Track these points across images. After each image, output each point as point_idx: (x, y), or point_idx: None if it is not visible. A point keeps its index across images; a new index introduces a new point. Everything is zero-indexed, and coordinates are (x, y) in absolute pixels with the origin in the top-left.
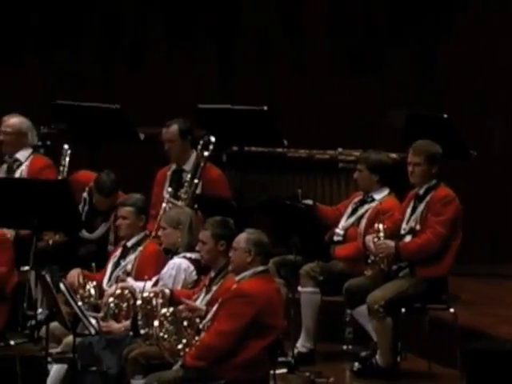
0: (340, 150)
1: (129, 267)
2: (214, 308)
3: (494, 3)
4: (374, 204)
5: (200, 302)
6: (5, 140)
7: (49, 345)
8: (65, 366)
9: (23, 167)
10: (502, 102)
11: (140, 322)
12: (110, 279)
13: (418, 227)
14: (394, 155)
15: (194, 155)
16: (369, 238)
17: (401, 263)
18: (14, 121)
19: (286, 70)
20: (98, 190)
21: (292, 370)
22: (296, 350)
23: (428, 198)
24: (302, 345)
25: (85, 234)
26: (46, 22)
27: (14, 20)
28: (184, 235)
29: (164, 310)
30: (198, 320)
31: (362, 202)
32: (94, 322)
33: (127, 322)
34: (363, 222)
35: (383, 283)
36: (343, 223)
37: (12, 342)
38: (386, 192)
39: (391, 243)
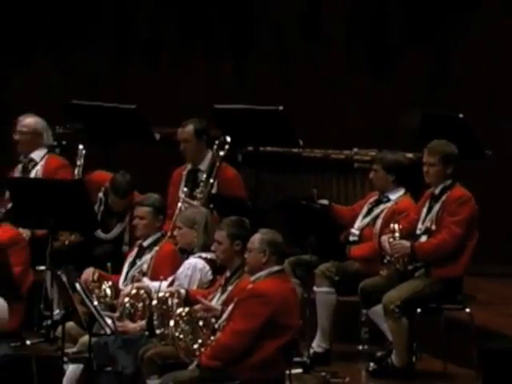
0: (355, 149)
1: (144, 267)
2: (230, 308)
3: (508, 3)
4: (389, 204)
5: (215, 302)
6: (20, 140)
7: (65, 345)
8: (80, 366)
9: (38, 167)
10: None
11: (155, 322)
12: (125, 279)
13: (433, 227)
14: (409, 155)
15: (209, 155)
16: (384, 238)
17: (416, 263)
18: (30, 121)
19: (302, 70)
20: (114, 191)
21: (307, 370)
22: (311, 350)
23: (444, 198)
24: (317, 345)
25: (100, 234)
26: (60, 21)
27: (28, 20)
28: (199, 235)
29: (179, 310)
30: (213, 320)
31: (378, 202)
32: (109, 321)
33: (143, 322)
34: (379, 222)
35: (399, 283)
36: (359, 223)
37: (28, 342)
38: (401, 192)
39: (407, 243)
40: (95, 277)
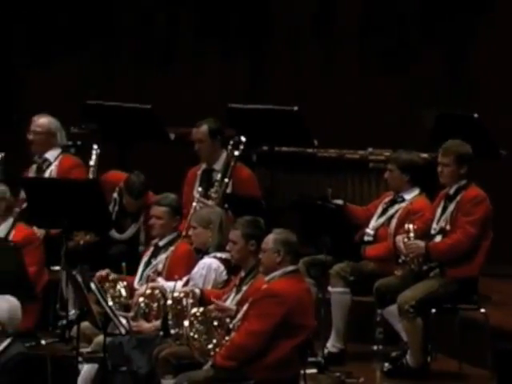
0: (370, 149)
1: (160, 267)
2: (244, 308)
3: None
4: (404, 204)
5: (230, 302)
6: (34, 140)
7: (79, 344)
8: (95, 366)
9: (52, 167)
10: None
11: (170, 322)
12: (140, 278)
13: (448, 227)
14: (424, 155)
15: (224, 155)
16: (399, 238)
17: (431, 263)
18: (44, 121)
19: (317, 69)
20: (128, 192)
21: (322, 370)
22: (326, 350)
23: (458, 198)
24: (332, 345)
25: (115, 234)
26: (76, 22)
27: (44, 20)
28: (214, 235)
29: (194, 310)
30: (228, 320)
31: (393, 202)
32: (124, 321)
33: (157, 322)
34: (393, 222)
35: (413, 283)
36: (373, 223)
37: (43, 342)
38: (416, 192)
39: (421, 243)
40: (110, 276)
